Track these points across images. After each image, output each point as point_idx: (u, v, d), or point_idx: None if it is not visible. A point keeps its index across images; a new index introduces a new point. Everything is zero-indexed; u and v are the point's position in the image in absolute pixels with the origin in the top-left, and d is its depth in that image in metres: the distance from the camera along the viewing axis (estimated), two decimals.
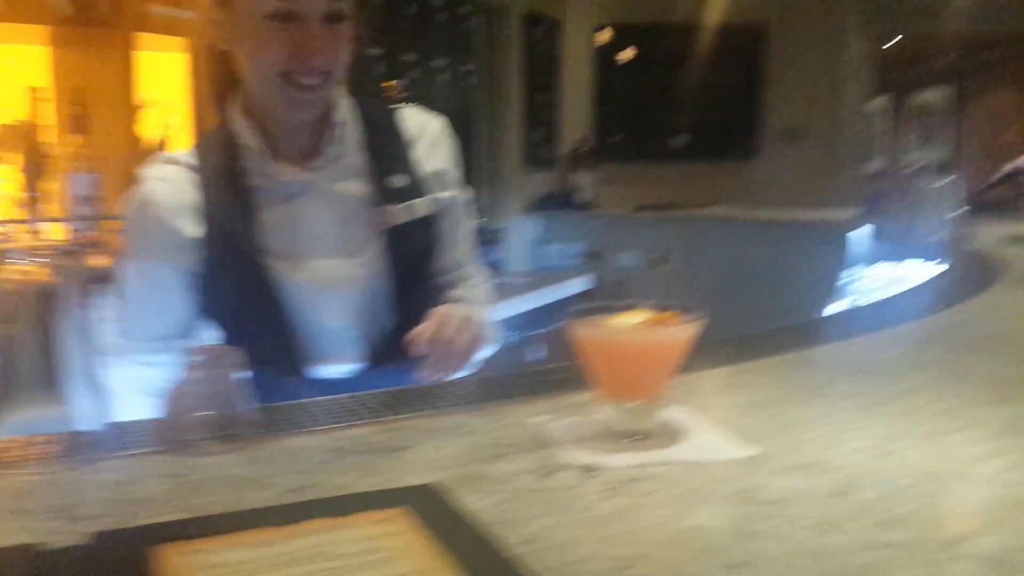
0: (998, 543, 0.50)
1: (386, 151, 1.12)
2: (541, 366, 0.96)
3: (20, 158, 2.34)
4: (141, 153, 2.37)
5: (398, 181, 1.10)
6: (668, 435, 0.70)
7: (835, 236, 3.27)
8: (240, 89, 1.06)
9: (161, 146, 2.49)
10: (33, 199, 2.31)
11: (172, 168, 1.05)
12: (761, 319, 2.65)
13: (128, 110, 2.31)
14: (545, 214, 5.08)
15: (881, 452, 0.66)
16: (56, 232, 2.30)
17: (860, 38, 5.55)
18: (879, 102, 5.68)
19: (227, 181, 1.05)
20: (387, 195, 1.09)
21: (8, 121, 2.37)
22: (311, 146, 1.07)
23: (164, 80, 2.57)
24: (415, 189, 1.11)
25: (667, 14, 5.26)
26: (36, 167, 2.32)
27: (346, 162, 1.08)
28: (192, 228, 1.03)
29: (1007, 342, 1.10)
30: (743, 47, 5.51)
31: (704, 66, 5.36)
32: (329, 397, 0.86)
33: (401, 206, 1.09)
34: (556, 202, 5.29)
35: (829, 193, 4.89)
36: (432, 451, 0.68)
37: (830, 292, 2.92)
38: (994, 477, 0.61)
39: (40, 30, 2.40)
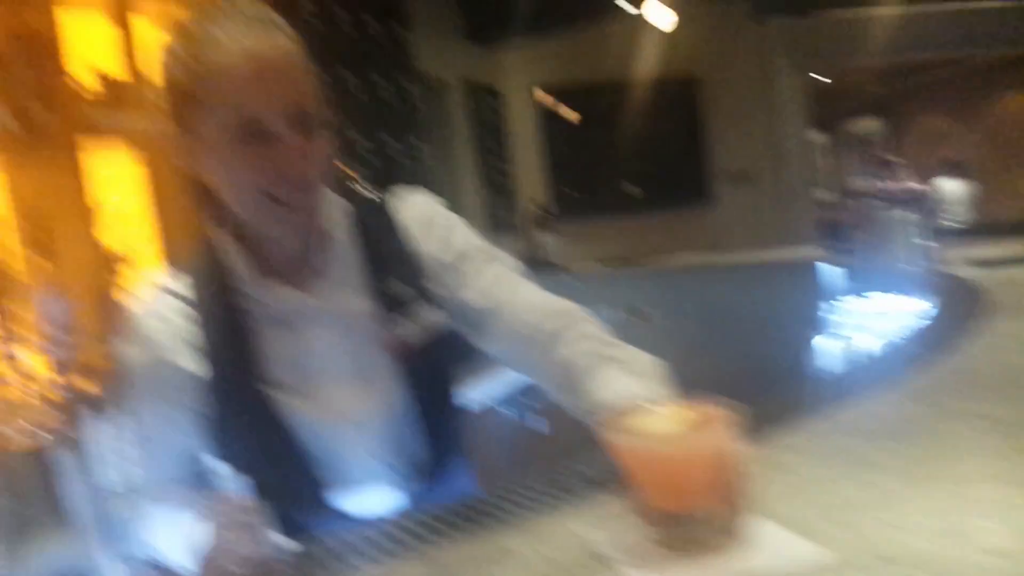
0: None
1: (384, 256, 1.02)
2: (571, 467, 0.93)
3: None
4: (107, 266, 2.32)
5: (404, 292, 1.00)
6: (731, 543, 0.66)
7: (802, 272, 3.31)
8: (221, 206, 0.98)
9: (125, 258, 2.44)
10: (4, 326, 2.23)
11: (163, 300, 0.99)
12: (749, 363, 2.65)
13: (84, 221, 2.26)
14: None
15: (956, 531, 0.64)
16: (34, 360, 2.22)
17: (790, 76, 5.74)
18: (817, 136, 5.85)
19: (220, 309, 0.98)
20: (395, 309, 0.99)
21: None
22: (303, 261, 0.99)
23: (121, 189, 2.53)
24: (424, 301, 1.00)
25: (598, 74, 5.37)
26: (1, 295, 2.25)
27: (343, 275, 1.00)
28: (192, 365, 0.96)
29: None
30: (680, 97, 5.65)
31: (645, 119, 5.47)
32: (363, 530, 0.82)
33: (414, 323, 0.99)
34: (522, 264, 5.27)
35: (785, 229, 4.99)
36: None
37: (811, 328, 2.95)
38: None
39: None
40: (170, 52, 0.92)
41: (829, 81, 7.04)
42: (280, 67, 0.89)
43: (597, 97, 5.52)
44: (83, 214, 2.24)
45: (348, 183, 1.05)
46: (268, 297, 0.97)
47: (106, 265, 2.35)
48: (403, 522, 0.84)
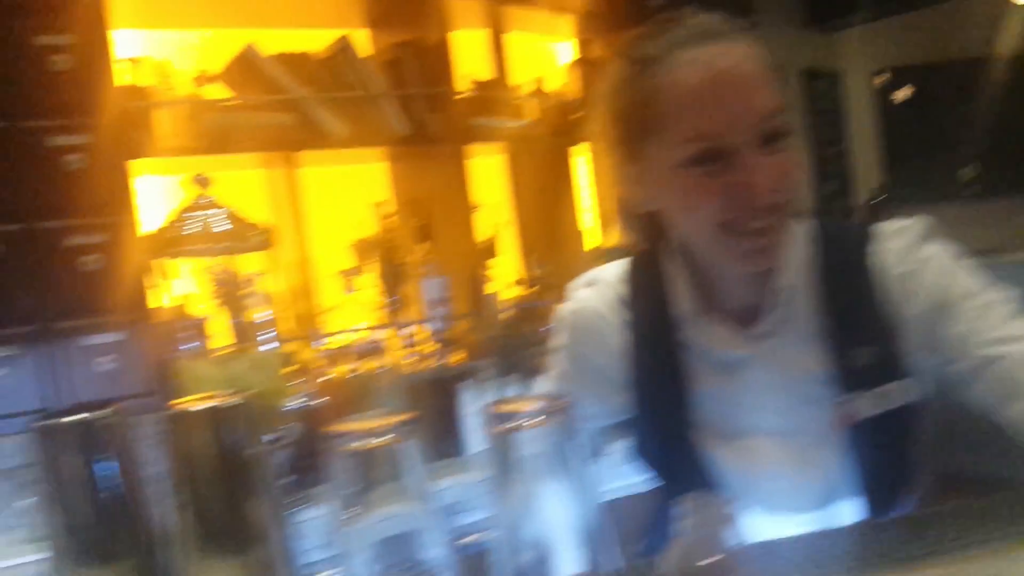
0: None
1: (852, 306, 0.87)
2: None
3: (377, 268, 2.62)
4: (481, 253, 2.57)
5: (865, 356, 0.85)
6: None
7: None
8: (672, 241, 0.93)
9: (493, 245, 2.69)
10: (393, 304, 2.56)
11: (604, 293, 0.98)
12: None
13: (466, 216, 2.51)
14: None
15: None
16: (417, 334, 2.53)
17: None
18: None
19: (655, 335, 0.93)
20: (850, 376, 0.86)
21: (363, 235, 2.67)
22: (753, 306, 0.89)
23: (488, 182, 2.77)
24: (890, 364, 0.86)
25: (948, 52, 4.90)
26: (391, 276, 2.59)
27: (793, 324, 0.88)
28: (618, 369, 0.94)
29: None
30: None
31: (994, 100, 4.89)
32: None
33: (870, 393, 0.85)
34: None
35: None
36: None
37: None
38: None
39: (378, 150, 2.71)
40: (617, 77, 0.88)
41: None
42: (744, 82, 0.81)
43: (941, 76, 5.02)
44: (460, 209, 2.48)
45: (814, 209, 0.92)
46: (706, 337, 0.90)
47: (478, 254, 2.59)
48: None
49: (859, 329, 0.86)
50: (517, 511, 0.47)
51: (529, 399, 0.51)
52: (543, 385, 1.04)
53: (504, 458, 0.47)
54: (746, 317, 0.89)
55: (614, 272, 1.00)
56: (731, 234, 0.81)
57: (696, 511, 0.73)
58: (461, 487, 1.90)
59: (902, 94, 5.22)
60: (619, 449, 1.01)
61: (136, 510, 0.58)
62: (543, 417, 0.47)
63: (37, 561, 1.70)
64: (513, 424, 0.47)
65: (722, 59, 0.80)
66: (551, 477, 0.48)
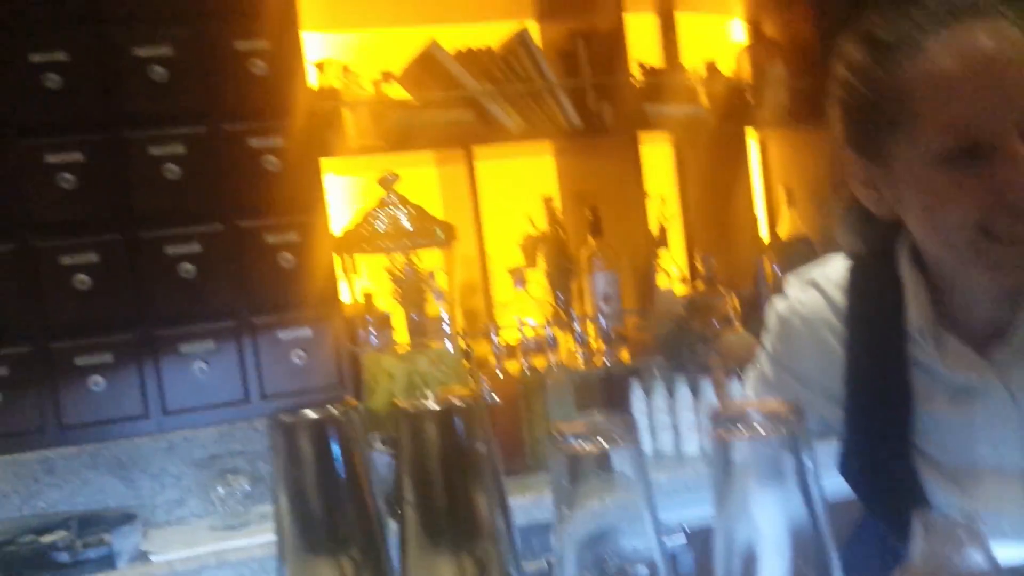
0: None
1: None
2: None
3: (545, 264, 2.60)
4: (650, 247, 2.51)
5: None
6: None
7: None
8: (906, 247, 0.85)
9: (662, 238, 2.61)
10: (562, 301, 2.54)
11: (823, 298, 0.90)
12: None
13: (635, 207, 2.45)
14: None
15: None
16: (587, 330, 2.50)
17: None
18: None
19: (883, 347, 0.85)
20: None
21: (530, 231, 2.65)
22: (999, 326, 0.81)
23: (655, 173, 2.69)
24: None
25: None
26: (560, 271, 2.56)
27: None
28: (831, 383, 0.87)
29: None
30: None
31: None
32: None
33: None
34: None
35: None
36: None
37: None
38: None
39: (545, 144, 2.68)
40: (852, 68, 0.80)
41: None
42: (1006, 66, 0.72)
43: None
44: (632, 199, 2.42)
45: None
46: (941, 357, 0.82)
47: (647, 247, 2.52)
48: None
49: None
50: (734, 516, 0.45)
51: (756, 402, 0.49)
52: (750, 385, 0.98)
53: (726, 463, 0.45)
54: (989, 338, 0.80)
55: (835, 276, 0.91)
56: (989, 239, 0.73)
57: (935, 531, 0.67)
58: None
59: None
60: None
61: (363, 501, 0.61)
62: (771, 424, 0.45)
63: (261, 545, 1.78)
64: (738, 430, 0.45)
65: (981, 40, 0.71)
66: (772, 485, 0.45)
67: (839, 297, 0.89)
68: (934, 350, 0.82)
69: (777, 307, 0.95)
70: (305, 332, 2.01)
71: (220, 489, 2.05)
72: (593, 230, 2.55)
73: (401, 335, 2.32)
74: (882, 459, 0.86)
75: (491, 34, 2.47)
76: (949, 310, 0.82)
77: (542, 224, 2.66)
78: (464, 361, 2.23)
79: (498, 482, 0.61)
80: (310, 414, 0.61)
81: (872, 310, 0.86)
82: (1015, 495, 0.80)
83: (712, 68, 2.77)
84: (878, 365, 0.85)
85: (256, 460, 2.16)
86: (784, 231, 2.79)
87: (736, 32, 3.04)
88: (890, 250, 0.86)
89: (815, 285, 0.92)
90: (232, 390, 1.98)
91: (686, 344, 2.50)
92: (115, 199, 1.89)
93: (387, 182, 2.05)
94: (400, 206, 2.06)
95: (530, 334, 2.39)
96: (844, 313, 0.87)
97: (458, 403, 0.60)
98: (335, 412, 0.61)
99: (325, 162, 2.13)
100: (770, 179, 3.04)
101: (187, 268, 1.91)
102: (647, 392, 2.42)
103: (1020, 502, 0.80)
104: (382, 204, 2.05)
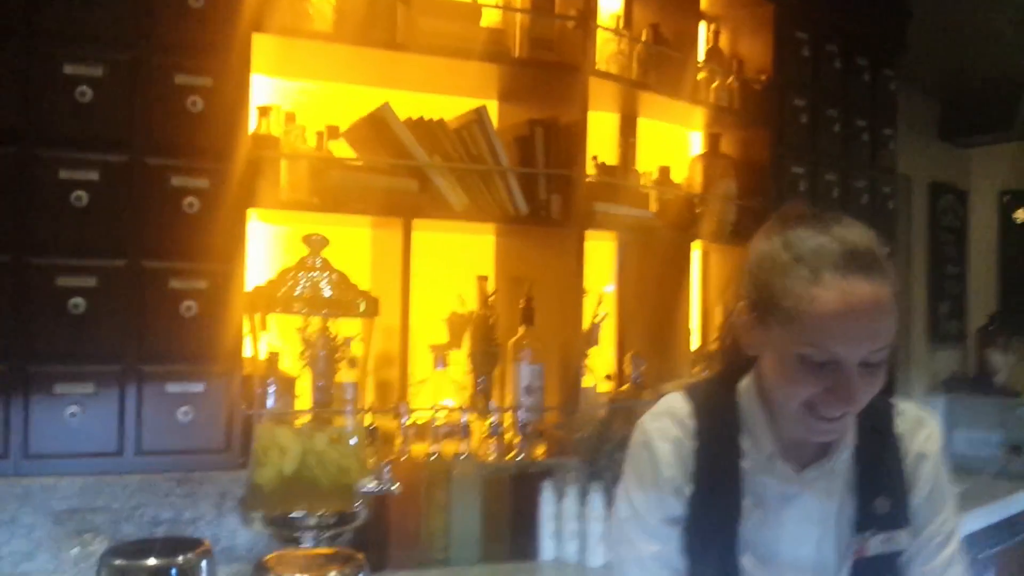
0: None
1: (879, 467, 1.06)
2: None
3: (470, 346, 2.50)
4: (581, 343, 2.43)
5: (882, 506, 1.05)
6: None
7: None
8: (756, 378, 1.06)
9: (594, 335, 2.54)
10: (482, 386, 2.44)
11: (675, 429, 1.09)
12: None
13: (571, 302, 2.38)
14: (951, 396, 4.58)
15: None
16: (504, 421, 2.39)
17: None
18: None
19: (723, 460, 1.06)
20: (869, 519, 1.05)
21: (459, 309, 2.56)
22: (812, 456, 1.06)
23: (594, 268, 2.64)
24: (899, 517, 1.06)
25: None
26: (485, 356, 2.46)
27: (838, 476, 1.06)
28: (684, 488, 1.06)
29: None
30: None
31: None
32: None
33: (881, 536, 1.04)
34: (964, 383, 4.75)
35: None
36: None
37: None
38: None
39: (492, 232, 2.61)
40: (767, 252, 0.98)
41: None
42: (876, 318, 0.91)
43: None
44: (569, 293, 2.36)
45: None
46: (768, 471, 1.04)
47: (578, 344, 2.45)
48: None
49: (881, 482, 1.05)
50: None
51: None
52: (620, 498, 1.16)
53: None
54: (802, 460, 1.05)
55: (682, 406, 1.11)
56: (813, 416, 0.96)
57: None
58: None
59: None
60: None
61: None
62: None
63: None
64: None
65: (864, 294, 0.89)
66: None
67: (686, 424, 1.10)
68: (764, 466, 1.05)
69: (634, 439, 1.14)
70: (197, 387, 1.86)
71: (75, 549, 1.86)
72: (525, 318, 2.47)
73: (304, 402, 2.19)
74: (717, 554, 1.05)
75: (448, 107, 2.41)
76: (779, 438, 1.05)
77: (473, 304, 2.57)
78: (367, 440, 2.10)
79: None
80: (149, 561, 0.54)
81: (718, 430, 1.07)
82: None
83: (665, 173, 2.76)
84: (718, 475, 1.06)
85: (120, 521, 1.97)
86: (715, 343, 2.76)
87: (694, 144, 3.05)
88: (733, 384, 1.09)
89: (665, 416, 1.12)
90: (105, 440, 1.80)
91: (605, 448, 2.41)
92: (13, 219, 1.74)
93: (314, 244, 1.94)
94: (323, 270, 1.96)
95: (444, 419, 2.27)
96: (690, 436, 1.08)
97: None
98: (180, 560, 0.54)
99: (255, 211, 2.02)
100: (708, 291, 3.02)
101: (76, 302, 1.75)
102: (558, 495, 2.31)
103: None
104: (304, 266, 1.93)
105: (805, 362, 0.93)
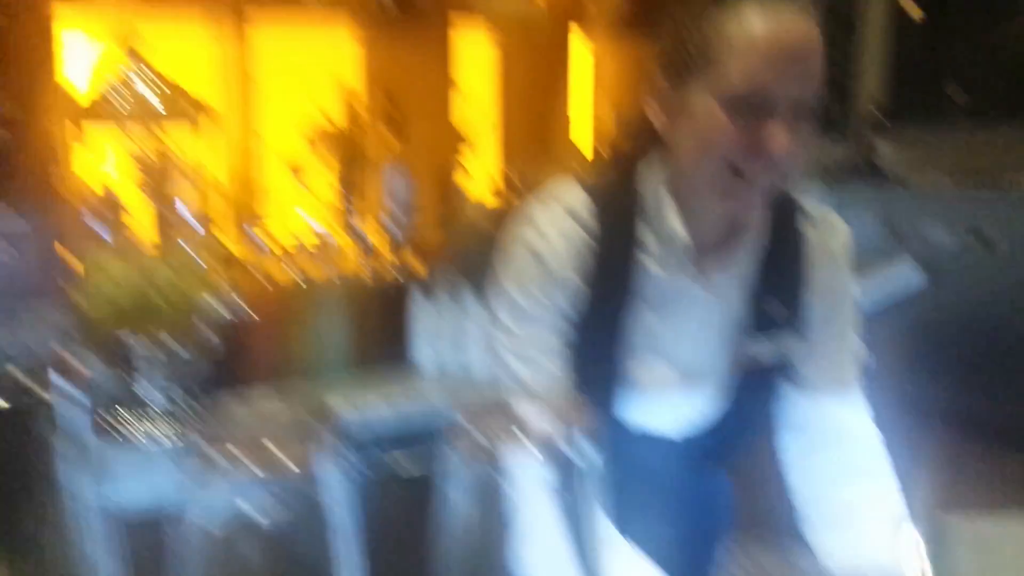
0: None
1: (782, 270, 1.02)
2: None
3: (334, 160, 2.30)
4: (453, 147, 2.26)
5: (780, 311, 1.02)
6: None
7: None
8: (662, 159, 0.99)
9: (468, 140, 2.37)
10: (347, 200, 2.26)
11: (564, 219, 0.99)
12: None
13: (442, 102, 2.19)
14: (836, 185, 4.67)
15: None
16: (371, 233, 2.25)
17: None
18: None
19: (618, 252, 1.00)
20: (763, 323, 1.01)
21: (321, 123, 2.33)
22: (718, 246, 0.99)
23: (472, 73, 2.43)
24: (794, 325, 1.02)
25: None
26: (350, 169, 2.27)
27: (739, 275, 1.00)
28: (572, 282, 0.98)
29: None
30: None
31: (1006, 18, 4.61)
32: None
33: (772, 343, 1.01)
34: (849, 172, 4.85)
35: None
36: None
37: None
38: None
39: (352, 31, 2.33)
40: (690, 14, 0.92)
41: None
42: (805, 53, 0.88)
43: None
44: (439, 93, 2.16)
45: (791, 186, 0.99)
46: (674, 265, 0.99)
47: (452, 147, 2.28)
48: None
49: (781, 287, 1.01)
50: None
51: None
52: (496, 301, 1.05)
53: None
54: (706, 252, 0.99)
55: (574, 194, 1.01)
56: (734, 175, 0.90)
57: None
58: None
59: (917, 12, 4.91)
60: None
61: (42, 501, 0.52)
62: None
63: None
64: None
65: (793, 25, 0.87)
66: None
67: (577, 214, 1.00)
68: (670, 259, 0.98)
69: (517, 228, 1.01)
70: (17, 223, 1.65)
71: None
72: (396, 130, 2.27)
73: (145, 232, 1.98)
74: (600, 352, 1.00)
75: None
76: (686, 224, 0.98)
77: (337, 117, 2.34)
78: (215, 268, 1.94)
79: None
80: None
81: (613, 220, 0.99)
82: (682, 379, 1.02)
83: None
84: (612, 268, 0.99)
85: None
86: (601, 145, 2.64)
87: None
88: (632, 168, 1.00)
89: (558, 201, 1.01)
90: None
91: (482, 255, 2.32)
92: None
93: (126, 41, 1.65)
94: (143, 73, 1.69)
95: (308, 241, 2.12)
96: (584, 221, 0.99)
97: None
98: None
99: (61, 10, 1.70)
100: (600, 95, 2.84)
101: None
102: (436, 307, 2.24)
103: (685, 384, 1.02)
104: (121, 70, 1.66)
105: (731, 106, 0.88)
